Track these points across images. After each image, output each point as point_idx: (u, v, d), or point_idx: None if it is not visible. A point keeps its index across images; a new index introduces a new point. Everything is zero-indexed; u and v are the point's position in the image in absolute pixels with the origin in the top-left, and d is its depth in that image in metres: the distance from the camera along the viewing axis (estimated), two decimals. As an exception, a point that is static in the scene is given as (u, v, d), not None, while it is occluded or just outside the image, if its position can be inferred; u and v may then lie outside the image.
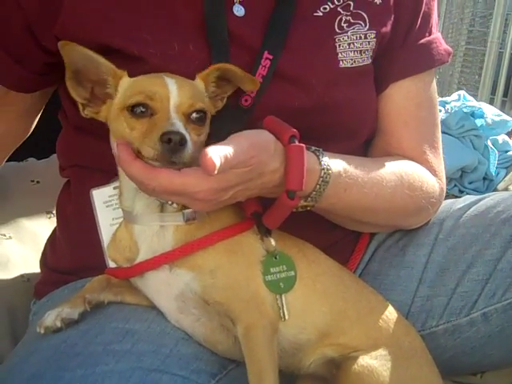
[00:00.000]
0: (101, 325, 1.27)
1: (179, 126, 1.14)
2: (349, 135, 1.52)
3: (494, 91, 7.68)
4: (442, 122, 4.36)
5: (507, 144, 4.50)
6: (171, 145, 1.11)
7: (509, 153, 4.45)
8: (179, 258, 1.24)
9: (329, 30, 1.47)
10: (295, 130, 1.25)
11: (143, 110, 1.18)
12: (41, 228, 1.95)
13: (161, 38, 1.38)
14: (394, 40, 1.55)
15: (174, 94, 1.19)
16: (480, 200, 1.61)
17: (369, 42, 1.49)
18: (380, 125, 1.61)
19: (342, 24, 1.48)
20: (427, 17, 1.61)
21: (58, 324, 1.24)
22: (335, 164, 1.35)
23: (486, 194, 1.65)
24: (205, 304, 1.25)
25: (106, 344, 1.22)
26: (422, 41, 1.60)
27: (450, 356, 1.54)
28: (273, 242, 1.31)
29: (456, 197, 3.98)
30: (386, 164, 1.50)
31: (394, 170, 1.48)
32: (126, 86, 1.24)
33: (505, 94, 7.54)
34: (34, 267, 1.71)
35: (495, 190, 4.31)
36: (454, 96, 4.57)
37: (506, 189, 4.17)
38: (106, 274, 1.34)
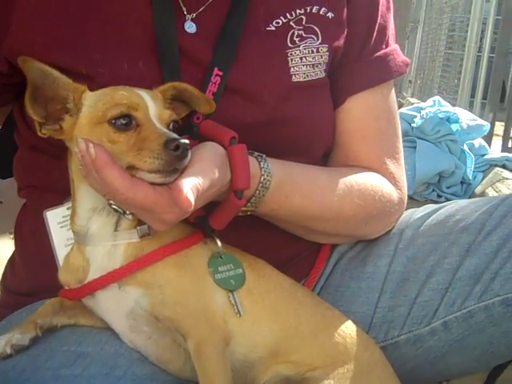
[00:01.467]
0: (52, 349, 1.25)
1: (172, 133, 1.15)
2: (304, 149, 1.52)
3: (473, 94, 7.73)
4: (418, 127, 4.40)
5: (483, 148, 4.54)
6: (179, 152, 1.11)
7: (485, 156, 4.49)
8: (127, 275, 1.22)
9: (281, 44, 1.47)
10: (234, 132, 1.26)
11: (125, 121, 1.17)
12: (3, 249, 1.92)
13: (110, 56, 1.38)
14: (350, 53, 1.55)
15: (151, 104, 1.20)
16: (439, 209, 1.61)
17: (321, 55, 1.49)
18: (337, 139, 1.60)
19: (295, 38, 1.47)
20: (383, 29, 1.61)
21: (8, 350, 1.22)
22: (277, 170, 1.35)
23: (446, 203, 1.64)
24: (155, 321, 1.24)
25: (56, 369, 1.20)
26: (379, 53, 1.60)
27: (412, 366, 1.53)
28: (219, 243, 1.31)
29: (434, 202, 4.00)
30: (337, 173, 1.50)
31: (345, 179, 1.48)
32: (93, 100, 1.22)
33: (484, 97, 7.57)
34: (-3, 289, 1.68)
35: (473, 193, 4.34)
36: (430, 102, 4.60)
37: (484, 192, 4.19)
38: (60, 297, 1.33)
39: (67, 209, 1.42)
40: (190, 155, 1.15)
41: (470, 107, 7.50)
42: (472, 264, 1.46)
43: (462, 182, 4.40)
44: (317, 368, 1.32)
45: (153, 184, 1.14)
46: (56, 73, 1.22)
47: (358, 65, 1.57)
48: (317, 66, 1.49)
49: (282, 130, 1.46)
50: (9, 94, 1.49)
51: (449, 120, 4.38)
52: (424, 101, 4.96)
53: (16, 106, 1.55)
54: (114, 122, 1.17)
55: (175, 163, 1.12)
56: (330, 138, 1.59)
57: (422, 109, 4.46)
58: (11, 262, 1.65)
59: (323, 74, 1.51)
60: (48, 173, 1.48)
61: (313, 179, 1.45)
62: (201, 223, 1.31)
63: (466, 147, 4.36)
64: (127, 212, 1.22)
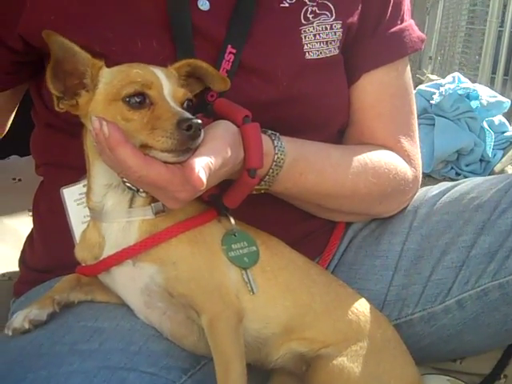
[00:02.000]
0: (69, 324, 1.27)
1: (186, 112, 1.15)
2: (319, 126, 1.52)
3: (494, 70, 7.63)
4: (437, 104, 4.34)
5: (504, 125, 4.48)
6: (191, 131, 1.11)
7: (505, 134, 4.43)
8: (141, 252, 1.24)
9: (295, 21, 1.46)
10: (247, 111, 1.26)
11: (139, 100, 1.17)
12: (22, 226, 1.95)
13: (123, 35, 1.38)
14: (364, 30, 1.54)
15: (166, 82, 1.20)
16: (454, 186, 1.61)
17: (335, 32, 1.48)
18: (353, 116, 1.60)
19: (308, 15, 1.47)
20: (398, 5, 1.59)
21: (26, 325, 1.24)
22: (291, 148, 1.35)
23: (462, 180, 1.64)
24: (170, 297, 1.25)
25: (73, 344, 1.22)
26: (394, 29, 1.58)
27: (427, 343, 1.54)
28: (232, 221, 1.32)
29: (453, 180, 3.97)
30: (351, 151, 1.50)
31: (359, 157, 1.48)
32: (109, 76, 1.22)
33: (506, 73, 7.49)
34: (15, 265, 1.71)
35: (492, 171, 4.30)
36: (449, 78, 4.54)
37: (503, 170, 4.15)
38: (76, 273, 1.35)
39: (83, 186, 1.43)
40: (202, 135, 1.15)
41: (491, 84, 7.41)
42: (486, 242, 1.46)
43: (481, 160, 4.36)
44: (330, 345, 1.33)
45: (166, 163, 1.15)
46: (76, 47, 1.22)
47: (372, 41, 1.56)
48: (330, 43, 1.48)
49: (296, 107, 1.46)
50: (24, 72, 1.50)
51: (468, 97, 4.32)
52: (444, 77, 4.90)
53: (32, 84, 1.56)
54: (128, 99, 1.17)
55: (188, 143, 1.13)
56: (345, 115, 1.59)
57: (440, 85, 4.39)
58: (30, 239, 1.68)
59: (337, 51, 1.50)
60: (64, 150, 1.49)
61: (326, 157, 1.45)
62: (215, 201, 1.32)
63: (485, 124, 4.31)
64: (141, 190, 1.23)
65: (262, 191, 1.36)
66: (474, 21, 9.10)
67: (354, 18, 1.51)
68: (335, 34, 1.48)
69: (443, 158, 4.25)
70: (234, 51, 1.39)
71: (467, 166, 4.29)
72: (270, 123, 1.41)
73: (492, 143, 4.31)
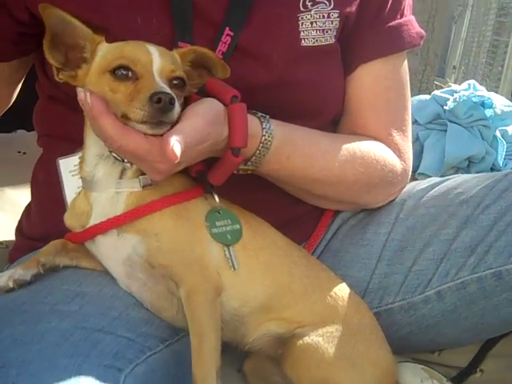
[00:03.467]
0: (53, 286, 1.31)
1: (166, 87, 1.18)
2: (311, 114, 1.54)
3: (516, 83, 7.60)
4: (450, 110, 4.34)
5: (517, 135, 4.46)
6: (161, 105, 1.14)
7: (518, 144, 4.42)
8: (126, 223, 1.28)
9: (293, 7, 1.49)
10: (236, 91, 1.29)
11: (125, 72, 1.21)
12: (23, 198, 2.00)
13: (123, 10, 1.41)
14: (363, 21, 1.57)
15: (157, 59, 1.23)
16: (443, 181, 1.63)
17: (332, 21, 1.51)
18: (347, 106, 1.62)
19: (307, 2, 1.49)
20: None
21: (10, 284, 1.28)
22: (279, 131, 1.38)
23: (450, 176, 1.67)
24: (150, 268, 1.29)
25: (54, 304, 1.26)
26: (393, 23, 1.60)
27: (406, 333, 1.56)
28: (217, 199, 1.35)
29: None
30: (340, 139, 1.53)
31: (348, 145, 1.51)
32: (105, 51, 1.26)
33: (527, 87, 7.44)
34: (13, 235, 1.75)
35: (502, 180, 4.28)
36: (464, 85, 4.54)
37: (513, 180, 4.14)
38: (64, 239, 1.39)
39: (79, 158, 1.48)
40: (177, 109, 1.17)
41: (512, 96, 7.35)
42: (468, 236, 1.48)
43: (492, 169, 4.33)
44: (306, 325, 1.36)
45: (146, 134, 1.19)
46: (77, 22, 1.27)
47: (370, 33, 1.58)
48: (327, 32, 1.51)
49: (290, 92, 1.49)
50: (30, 43, 1.54)
51: (483, 105, 4.32)
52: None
53: (37, 57, 1.60)
54: (115, 72, 1.21)
55: (158, 115, 1.16)
56: (339, 104, 1.61)
57: (455, 92, 4.39)
58: (27, 208, 1.72)
59: (333, 40, 1.52)
60: (63, 122, 1.53)
61: (315, 143, 1.48)
62: (202, 178, 1.35)
63: (498, 133, 4.30)
64: (125, 160, 1.27)
65: (249, 172, 1.40)
66: (500, 32, 9.05)
67: (353, 9, 1.53)
68: (332, 23, 1.51)
69: (453, 164, 4.24)
70: (232, 34, 1.42)
71: (477, 173, 4.27)
72: (263, 107, 1.44)
73: (504, 153, 4.30)
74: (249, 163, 1.37)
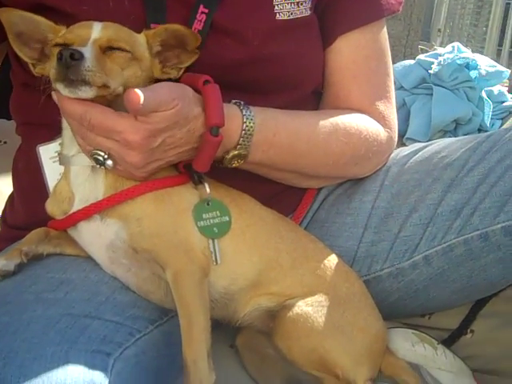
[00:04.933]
0: (37, 275, 1.31)
1: (80, 49, 1.17)
2: (291, 87, 1.53)
3: (501, 43, 7.58)
4: (435, 74, 4.33)
5: (503, 95, 4.46)
6: (62, 60, 1.14)
7: (504, 103, 4.42)
8: (108, 208, 1.27)
9: None
10: (208, 76, 1.28)
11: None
12: (5, 187, 1.97)
13: None
14: None
15: (96, 32, 1.23)
16: (426, 146, 1.62)
17: None
18: (328, 78, 1.61)
19: None
20: None
21: None
22: (259, 111, 1.37)
23: (434, 141, 1.66)
24: (134, 253, 1.28)
25: (39, 293, 1.25)
26: None
27: (395, 299, 1.57)
28: (207, 189, 1.34)
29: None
30: (321, 114, 1.52)
31: (330, 119, 1.50)
32: None
33: (512, 45, 7.42)
34: (-3, 225, 1.74)
35: (490, 141, 4.28)
36: (448, 48, 4.51)
37: (501, 140, 4.14)
38: (47, 227, 1.38)
39: (59, 144, 1.47)
40: (83, 64, 1.15)
41: (498, 56, 7.36)
42: (453, 199, 1.48)
43: (479, 130, 4.34)
44: (295, 297, 1.36)
45: (68, 97, 1.20)
46: (37, 17, 1.29)
47: (347, 3, 1.57)
48: (301, 4, 1.49)
49: (268, 67, 1.48)
50: (1, 31, 1.52)
51: (467, 66, 4.30)
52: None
53: (10, 46, 1.58)
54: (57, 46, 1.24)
55: (64, 71, 1.15)
56: (318, 76, 1.60)
57: (439, 55, 4.38)
58: (11, 198, 1.71)
59: (308, 13, 1.51)
60: (40, 109, 1.50)
61: (297, 117, 1.47)
62: (189, 170, 1.34)
63: (484, 94, 4.29)
64: (105, 156, 1.24)
65: (241, 161, 1.38)
66: (483, -8, 9.02)
67: None
68: None
69: (441, 128, 4.24)
70: (206, 11, 1.41)
71: (465, 135, 4.27)
72: (241, 83, 1.43)
73: (490, 113, 4.29)
74: (238, 147, 1.35)
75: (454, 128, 4.29)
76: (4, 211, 1.73)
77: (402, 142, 4.10)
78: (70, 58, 1.13)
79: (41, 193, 1.50)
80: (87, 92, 1.17)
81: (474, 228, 1.44)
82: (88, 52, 1.16)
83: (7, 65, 1.71)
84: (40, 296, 1.24)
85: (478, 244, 1.44)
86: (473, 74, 4.29)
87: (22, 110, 1.63)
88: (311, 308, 1.34)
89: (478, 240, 1.44)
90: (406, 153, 1.64)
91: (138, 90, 1.15)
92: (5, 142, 2.11)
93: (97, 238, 1.30)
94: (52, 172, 1.51)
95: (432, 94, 4.28)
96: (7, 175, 2.00)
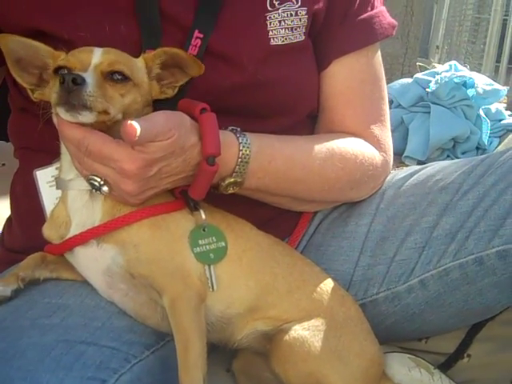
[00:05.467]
0: (33, 300, 1.31)
1: (82, 74, 1.18)
2: (286, 111, 1.54)
3: (499, 59, 7.61)
4: (433, 92, 4.36)
5: (500, 113, 4.49)
6: (65, 84, 1.15)
7: (502, 122, 4.45)
8: (105, 233, 1.27)
9: (260, 7, 1.48)
10: (205, 104, 1.29)
11: (64, 72, 1.23)
12: (4, 209, 1.98)
13: (92, 20, 1.41)
14: (333, 17, 1.56)
15: (97, 57, 1.25)
16: (422, 169, 1.63)
17: (300, 18, 1.50)
18: (323, 103, 1.62)
19: (274, 1, 1.49)
20: None
21: None
22: (255, 138, 1.38)
23: (429, 164, 1.67)
24: (131, 278, 1.29)
25: (35, 318, 1.26)
26: (364, 16, 1.60)
27: (391, 322, 1.57)
28: (202, 215, 1.34)
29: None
30: (317, 139, 1.53)
31: (325, 143, 1.51)
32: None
33: (510, 62, 7.48)
34: (-5, 248, 1.75)
35: (488, 159, 4.30)
36: (446, 66, 4.55)
37: (499, 158, 4.15)
38: (44, 252, 1.38)
39: (56, 169, 1.48)
40: (85, 90, 1.16)
41: (496, 72, 7.39)
42: (448, 223, 1.48)
43: (477, 148, 4.37)
44: (292, 321, 1.37)
45: (68, 122, 1.21)
46: (36, 43, 1.31)
47: (341, 28, 1.58)
48: (296, 30, 1.50)
49: (262, 92, 1.49)
50: (-1, 57, 1.54)
51: (465, 85, 4.33)
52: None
53: (8, 71, 1.60)
54: (56, 71, 1.25)
55: (65, 96, 1.16)
56: (313, 101, 1.61)
57: (437, 73, 4.41)
58: (9, 221, 1.72)
59: (303, 38, 1.52)
60: (38, 134, 1.51)
61: (292, 143, 1.48)
62: (185, 197, 1.34)
63: (481, 112, 4.32)
64: (101, 182, 1.25)
65: (236, 188, 1.39)
66: (481, 10, 9.07)
67: (320, 5, 1.53)
68: (300, 21, 1.50)
69: (439, 146, 4.26)
70: (202, 36, 1.42)
71: (463, 153, 4.31)
72: (236, 108, 1.44)
73: (488, 131, 4.32)
74: (234, 174, 1.36)
75: (453, 146, 4.31)
76: (2, 234, 1.73)
77: (400, 161, 4.12)
78: (72, 83, 1.15)
79: (38, 217, 1.50)
80: (87, 117, 1.18)
81: (469, 252, 1.45)
82: (90, 77, 1.18)
83: (5, 88, 1.73)
84: (36, 322, 1.25)
85: (473, 268, 1.44)
86: (470, 92, 4.32)
87: (19, 135, 1.64)
88: (308, 332, 1.35)
89: (473, 264, 1.44)
90: (401, 176, 1.64)
91: (134, 123, 1.15)
92: (3, 164, 2.12)
93: (93, 262, 1.31)
94: (49, 196, 1.51)
95: (430, 112, 4.31)
96: (5, 198, 2.01)
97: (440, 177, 1.56)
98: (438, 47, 11.01)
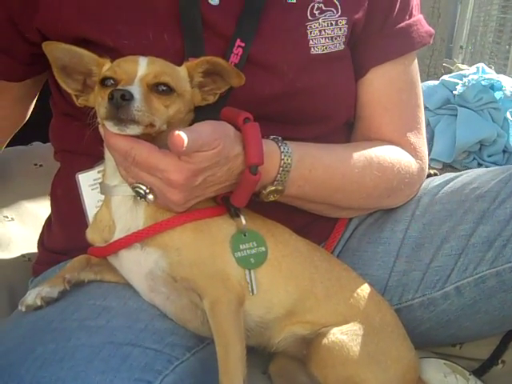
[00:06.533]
0: (79, 302, 1.34)
1: (130, 88, 1.21)
2: (324, 119, 1.56)
3: (524, 61, 7.54)
4: (460, 95, 4.33)
5: (527, 116, 4.45)
6: (114, 100, 1.18)
7: (530, 125, 4.40)
8: (148, 237, 1.30)
9: (301, 17, 1.50)
10: (248, 113, 1.30)
11: (110, 83, 1.26)
12: (42, 210, 2.03)
13: (135, 28, 1.43)
14: (371, 26, 1.58)
15: (143, 67, 1.27)
16: (457, 177, 1.64)
17: (340, 28, 1.52)
18: (360, 110, 1.64)
19: (315, 11, 1.50)
20: (406, 0, 1.63)
21: (38, 302, 1.31)
22: (296, 147, 1.40)
23: (465, 171, 1.68)
24: (173, 281, 1.31)
25: (82, 320, 1.29)
26: (402, 25, 1.62)
27: (426, 328, 1.58)
28: (243, 221, 1.36)
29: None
30: (355, 147, 1.55)
31: (364, 152, 1.52)
32: (105, 69, 1.32)
33: (536, 64, 7.39)
34: (35, 247, 1.78)
35: (515, 162, 4.28)
36: (473, 69, 4.52)
37: (526, 161, 4.13)
38: (87, 254, 1.41)
39: (98, 172, 1.51)
40: (135, 106, 1.18)
41: (521, 74, 7.31)
42: (485, 231, 1.49)
43: (504, 151, 4.33)
44: (330, 326, 1.38)
45: (117, 135, 1.23)
46: (81, 50, 1.34)
47: (380, 37, 1.60)
48: (335, 39, 1.52)
49: (302, 100, 1.51)
50: (42, 63, 1.55)
51: (492, 87, 4.30)
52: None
53: (50, 75, 1.63)
54: (103, 82, 1.28)
55: (114, 111, 1.19)
56: (350, 109, 1.63)
57: (464, 76, 4.38)
58: (48, 222, 1.75)
59: (342, 47, 1.54)
60: (79, 138, 1.55)
61: (332, 152, 1.50)
62: (226, 203, 1.36)
63: (509, 115, 4.29)
64: (147, 190, 1.27)
65: (277, 195, 1.41)
66: (507, 10, 8.99)
67: (360, 15, 1.54)
68: (340, 30, 1.52)
69: (465, 149, 4.24)
70: (243, 45, 1.44)
71: (490, 156, 4.28)
72: (275, 116, 1.46)
73: (515, 134, 4.28)
74: (275, 183, 1.38)
75: (479, 149, 4.29)
76: (42, 235, 1.77)
77: (426, 163, 4.10)
78: (120, 99, 1.17)
79: (79, 219, 1.54)
80: (135, 130, 1.21)
81: (506, 260, 1.46)
82: (137, 92, 1.20)
83: (46, 90, 1.76)
84: (83, 323, 1.28)
85: (510, 276, 1.45)
86: (497, 95, 4.29)
87: (61, 138, 1.67)
88: (346, 336, 1.36)
89: (510, 272, 1.45)
90: (437, 183, 1.66)
91: (182, 133, 1.17)
92: (40, 165, 2.16)
93: (137, 266, 1.34)
94: (91, 199, 1.55)
95: (456, 115, 4.29)
96: (44, 198, 2.06)
97: (476, 185, 1.57)
98: (461, 47, 10.92)
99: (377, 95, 1.62)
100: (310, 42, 1.49)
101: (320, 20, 1.50)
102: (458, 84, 4.36)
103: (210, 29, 1.44)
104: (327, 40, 1.51)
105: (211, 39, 1.44)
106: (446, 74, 4.99)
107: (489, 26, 9.45)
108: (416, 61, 1.69)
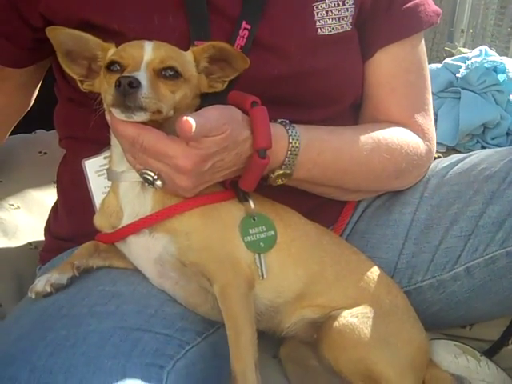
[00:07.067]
0: (88, 288, 1.33)
1: (137, 74, 1.19)
2: (331, 100, 1.55)
3: (526, 43, 7.51)
4: (463, 78, 4.31)
5: (532, 98, 4.43)
6: (121, 88, 1.16)
7: (533, 107, 4.38)
8: (157, 222, 1.29)
9: None
10: (256, 97, 1.29)
11: (115, 68, 1.25)
12: (48, 197, 2.02)
13: (141, 11, 1.42)
14: (379, 5, 1.57)
15: (148, 52, 1.25)
16: (465, 158, 1.63)
17: (347, 8, 1.51)
18: (367, 91, 1.63)
19: None
20: None
21: (48, 289, 1.30)
22: (304, 130, 1.39)
23: (472, 152, 1.67)
24: (182, 266, 1.31)
25: (91, 306, 1.28)
26: (409, 4, 1.60)
27: (436, 310, 1.58)
28: (252, 205, 1.36)
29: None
30: (363, 129, 1.53)
31: (372, 134, 1.51)
32: (111, 54, 1.30)
33: (538, 46, 7.35)
34: (41, 235, 1.78)
35: (519, 144, 4.26)
36: (476, 51, 4.50)
37: (530, 143, 4.12)
38: (95, 240, 1.41)
39: (104, 158, 1.50)
40: (142, 93, 1.17)
41: (523, 57, 7.27)
42: (495, 211, 1.49)
43: (507, 133, 4.31)
44: (340, 309, 1.38)
45: (124, 121, 1.22)
46: (86, 35, 1.32)
47: (387, 17, 1.58)
48: (343, 19, 1.51)
49: (309, 82, 1.50)
50: (45, 49, 1.54)
51: (495, 70, 4.28)
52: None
53: (54, 61, 1.62)
54: (108, 67, 1.26)
55: (121, 98, 1.17)
56: (358, 89, 1.62)
57: (467, 59, 4.35)
58: (54, 209, 1.75)
59: (349, 27, 1.52)
60: (85, 124, 1.53)
61: (340, 135, 1.49)
62: (235, 187, 1.36)
63: (512, 98, 4.26)
64: (155, 177, 1.26)
65: (285, 179, 1.40)
66: (507, -8, 8.93)
67: None
68: (347, 10, 1.51)
69: (468, 132, 4.22)
70: (249, 27, 1.43)
71: (493, 139, 4.25)
72: (282, 98, 1.45)
73: (519, 117, 4.26)
74: (283, 166, 1.37)
75: (482, 132, 4.27)
76: (48, 222, 1.76)
77: (430, 147, 4.09)
78: (128, 86, 1.16)
79: (86, 205, 1.53)
80: (142, 117, 1.20)
81: None
82: (144, 79, 1.18)
83: (50, 78, 1.75)
84: (93, 309, 1.27)
85: None
86: (501, 77, 4.26)
87: (66, 124, 1.66)
88: (357, 319, 1.36)
89: None
90: (444, 164, 1.65)
91: (190, 118, 1.16)
92: (45, 153, 2.15)
93: (145, 251, 1.33)
94: (97, 186, 1.54)
95: (459, 98, 4.26)
96: (49, 186, 2.05)
97: (485, 165, 1.56)
98: (462, 31, 10.86)
99: (384, 76, 1.61)
100: (317, 22, 1.48)
101: (327, 1, 1.48)
102: (461, 67, 4.33)
103: (215, 11, 1.43)
104: (334, 21, 1.49)
105: (217, 22, 1.43)
106: (447, 57, 4.96)
107: (490, 8, 9.40)
108: (423, 42, 1.68)
